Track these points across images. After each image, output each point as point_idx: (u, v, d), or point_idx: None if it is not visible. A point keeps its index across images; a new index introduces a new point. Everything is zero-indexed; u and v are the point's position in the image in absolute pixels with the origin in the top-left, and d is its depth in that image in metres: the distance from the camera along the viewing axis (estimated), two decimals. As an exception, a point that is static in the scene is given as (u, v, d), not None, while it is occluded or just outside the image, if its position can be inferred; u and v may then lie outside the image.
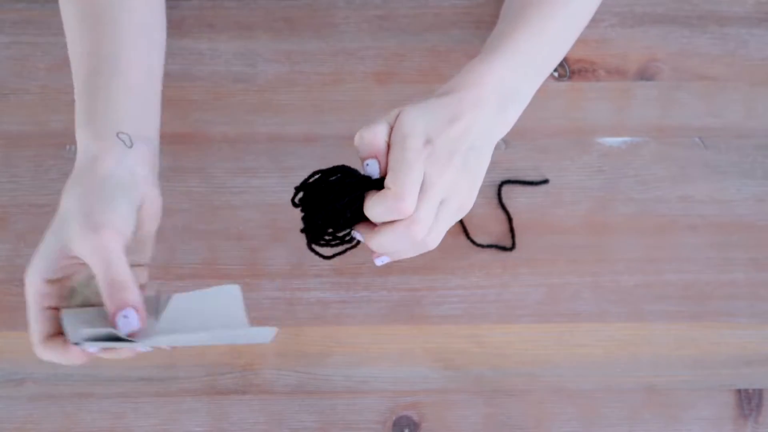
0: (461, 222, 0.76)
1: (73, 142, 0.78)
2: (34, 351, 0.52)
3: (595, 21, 0.80)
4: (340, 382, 0.72)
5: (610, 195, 0.77)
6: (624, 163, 0.78)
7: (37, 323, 0.52)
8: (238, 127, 0.79)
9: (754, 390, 0.72)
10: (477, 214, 0.76)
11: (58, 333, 0.52)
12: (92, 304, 0.54)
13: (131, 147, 0.57)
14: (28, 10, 0.82)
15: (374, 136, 0.56)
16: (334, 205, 0.57)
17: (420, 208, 0.55)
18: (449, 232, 0.76)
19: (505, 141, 0.78)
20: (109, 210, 0.53)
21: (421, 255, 0.75)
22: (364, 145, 0.57)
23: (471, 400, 0.72)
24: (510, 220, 0.76)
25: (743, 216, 0.76)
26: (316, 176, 0.59)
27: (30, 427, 0.71)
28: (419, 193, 0.55)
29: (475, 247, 0.75)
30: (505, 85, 0.59)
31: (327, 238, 0.60)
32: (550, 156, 0.78)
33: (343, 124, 0.78)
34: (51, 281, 0.53)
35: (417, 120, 0.56)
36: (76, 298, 0.54)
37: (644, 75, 0.80)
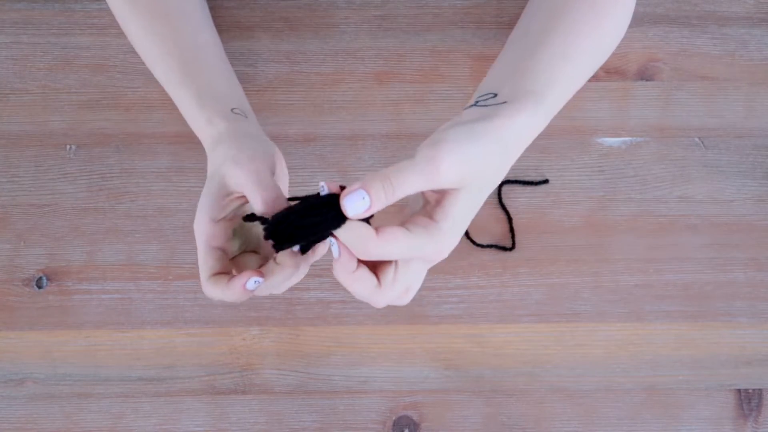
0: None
1: (73, 142, 0.79)
2: (202, 288, 0.56)
3: (595, 21, 0.80)
4: (340, 382, 0.72)
5: (610, 195, 0.77)
6: (624, 163, 0.78)
7: (205, 262, 0.57)
8: (238, 127, 0.79)
9: (754, 390, 0.72)
10: (477, 214, 0.76)
11: (223, 272, 0.57)
12: (250, 244, 0.60)
13: (247, 118, 0.65)
14: (28, 10, 0.82)
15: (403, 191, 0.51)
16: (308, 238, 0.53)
17: (392, 289, 0.53)
18: (449, 232, 0.76)
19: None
20: (253, 149, 0.59)
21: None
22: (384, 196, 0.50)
23: (471, 400, 0.72)
24: (510, 220, 0.76)
25: (743, 216, 0.76)
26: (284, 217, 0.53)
27: (30, 427, 0.71)
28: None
29: (475, 247, 0.75)
30: (526, 139, 0.57)
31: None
32: (550, 156, 0.78)
33: (343, 124, 0.78)
34: (215, 222, 0.57)
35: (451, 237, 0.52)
36: (236, 239, 0.60)
37: (644, 75, 0.80)
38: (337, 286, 0.74)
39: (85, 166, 0.78)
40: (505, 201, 0.77)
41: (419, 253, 0.51)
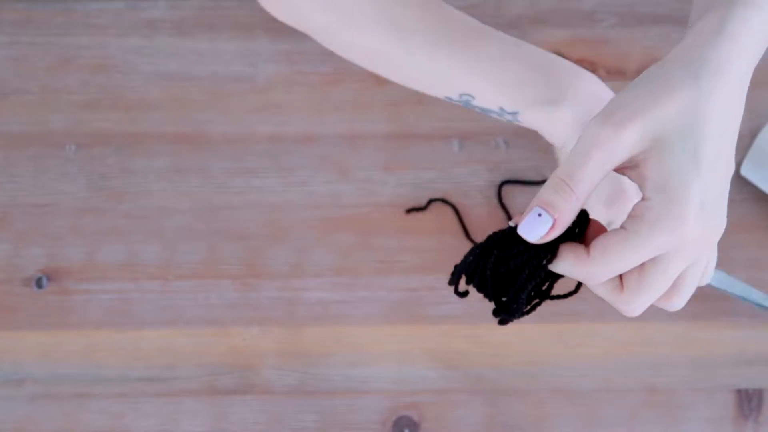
0: (461, 222, 0.76)
1: (73, 142, 0.79)
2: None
3: (595, 21, 0.80)
4: (340, 382, 0.72)
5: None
6: (624, 163, 0.78)
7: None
8: (238, 127, 0.79)
9: (754, 390, 0.72)
10: (477, 214, 0.76)
11: None
12: None
13: None
14: (28, 10, 0.82)
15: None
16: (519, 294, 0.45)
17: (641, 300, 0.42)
18: (449, 232, 0.76)
19: (506, 141, 0.78)
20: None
21: (421, 255, 0.75)
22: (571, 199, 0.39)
23: (471, 400, 0.72)
24: (510, 220, 0.76)
25: (743, 216, 0.76)
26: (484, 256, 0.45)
27: (30, 427, 0.71)
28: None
29: (475, 247, 0.75)
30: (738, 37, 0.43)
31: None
32: (550, 156, 0.78)
33: (343, 124, 0.78)
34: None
35: (692, 186, 0.38)
36: None
37: (644, 75, 0.80)
38: (338, 286, 0.74)
39: (85, 166, 0.78)
40: (505, 201, 0.77)
41: (652, 248, 0.39)
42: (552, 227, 0.40)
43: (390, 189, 0.77)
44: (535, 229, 0.40)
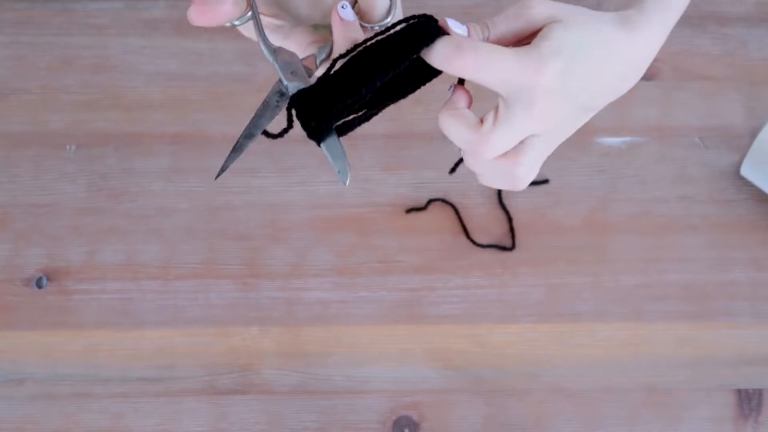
0: (461, 222, 0.76)
1: (73, 142, 0.79)
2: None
3: (595, 21, 0.80)
4: (340, 382, 0.72)
5: (610, 195, 0.77)
6: (624, 163, 0.78)
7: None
8: (238, 127, 0.79)
9: (754, 390, 0.72)
10: (477, 214, 0.76)
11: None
12: None
13: None
14: (28, 10, 0.82)
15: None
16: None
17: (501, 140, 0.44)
18: (449, 232, 0.76)
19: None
20: None
21: (421, 255, 0.75)
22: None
23: (471, 400, 0.72)
24: (510, 220, 0.76)
25: (743, 216, 0.76)
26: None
27: (30, 427, 0.71)
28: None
29: (475, 247, 0.75)
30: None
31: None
32: (549, 156, 0.78)
33: (343, 124, 0.78)
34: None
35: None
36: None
37: (644, 75, 0.80)
38: (338, 286, 0.74)
39: (85, 166, 0.78)
40: (505, 201, 0.77)
41: (516, 70, 0.42)
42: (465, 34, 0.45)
43: (390, 189, 0.77)
44: (455, 27, 0.45)
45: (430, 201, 0.76)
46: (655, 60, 0.83)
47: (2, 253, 0.76)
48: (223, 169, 0.52)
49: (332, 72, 0.46)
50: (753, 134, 0.78)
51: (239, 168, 0.78)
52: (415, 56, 0.44)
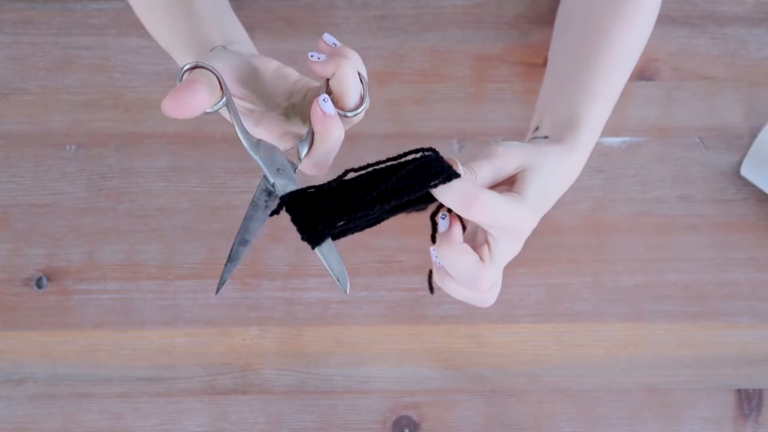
0: (461, 222, 0.75)
1: (73, 142, 0.79)
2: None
3: (595, 21, 0.80)
4: (340, 382, 0.72)
5: (610, 195, 0.77)
6: (624, 163, 0.78)
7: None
8: (238, 127, 0.79)
9: (754, 390, 0.72)
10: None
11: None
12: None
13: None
14: (28, 10, 0.82)
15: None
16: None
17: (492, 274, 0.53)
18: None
19: (505, 141, 0.78)
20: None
21: (421, 255, 0.75)
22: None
23: (471, 400, 0.72)
24: (510, 220, 0.76)
25: (743, 216, 0.76)
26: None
27: (30, 427, 0.71)
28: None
29: (475, 247, 0.75)
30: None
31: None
32: (550, 156, 0.78)
33: (343, 124, 0.78)
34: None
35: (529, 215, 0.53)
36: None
37: (644, 75, 0.80)
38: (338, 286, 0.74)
39: (85, 166, 0.78)
40: (505, 201, 0.77)
41: (513, 217, 0.50)
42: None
43: (390, 189, 0.77)
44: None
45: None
46: (655, 60, 0.84)
47: (2, 253, 0.76)
48: (222, 282, 0.53)
49: (338, 183, 0.51)
50: (753, 134, 0.78)
51: (239, 168, 0.78)
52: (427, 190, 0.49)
